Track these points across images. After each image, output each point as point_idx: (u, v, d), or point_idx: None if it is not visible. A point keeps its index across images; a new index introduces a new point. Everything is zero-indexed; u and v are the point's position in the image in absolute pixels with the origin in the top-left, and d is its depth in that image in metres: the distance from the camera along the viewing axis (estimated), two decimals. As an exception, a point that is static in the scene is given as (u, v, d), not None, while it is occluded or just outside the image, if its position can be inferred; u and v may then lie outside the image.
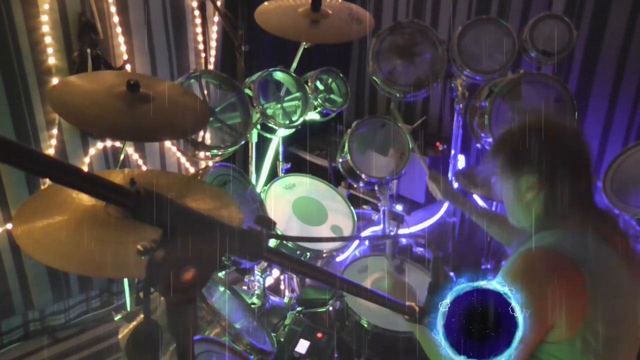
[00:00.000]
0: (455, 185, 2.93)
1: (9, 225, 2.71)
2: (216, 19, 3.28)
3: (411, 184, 3.31)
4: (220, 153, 2.12)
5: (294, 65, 2.52)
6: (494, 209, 2.68)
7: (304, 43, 2.45)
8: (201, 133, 2.12)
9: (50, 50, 2.65)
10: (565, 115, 1.46)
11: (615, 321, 1.32)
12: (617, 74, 2.83)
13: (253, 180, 2.35)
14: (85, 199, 1.47)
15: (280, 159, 2.55)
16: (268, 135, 2.41)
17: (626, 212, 2.02)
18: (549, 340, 1.31)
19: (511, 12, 3.11)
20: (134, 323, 1.81)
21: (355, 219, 2.38)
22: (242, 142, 2.18)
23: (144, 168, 3.16)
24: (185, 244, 0.72)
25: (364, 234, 2.60)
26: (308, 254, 2.18)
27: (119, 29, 2.86)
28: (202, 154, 2.11)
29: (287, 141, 2.61)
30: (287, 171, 2.54)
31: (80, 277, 3.04)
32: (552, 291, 1.27)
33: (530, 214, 1.45)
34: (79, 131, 2.84)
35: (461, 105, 2.73)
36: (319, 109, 2.42)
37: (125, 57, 2.92)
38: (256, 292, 2.31)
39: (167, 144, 3.24)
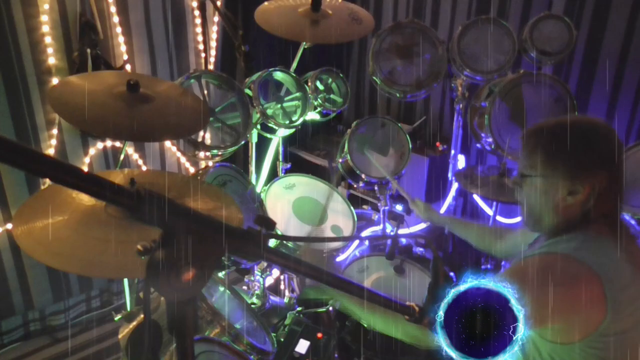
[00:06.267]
0: (456, 185, 2.93)
1: (9, 225, 2.71)
2: (216, 19, 3.28)
3: (411, 184, 3.30)
4: (220, 153, 2.12)
5: (294, 65, 2.52)
6: (493, 209, 2.68)
7: (304, 43, 2.45)
8: (201, 133, 2.12)
9: (50, 50, 2.65)
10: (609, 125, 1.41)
11: (630, 331, 1.30)
12: (617, 74, 2.83)
13: (253, 180, 2.35)
14: (85, 199, 1.47)
15: (280, 159, 2.55)
16: (268, 135, 2.41)
17: (626, 212, 2.02)
18: (555, 340, 1.30)
19: (511, 12, 3.11)
20: (134, 323, 1.81)
21: (355, 219, 2.38)
22: (242, 142, 2.18)
23: (144, 168, 3.16)
24: (185, 244, 0.72)
25: (364, 234, 2.60)
26: (308, 254, 2.18)
27: (119, 29, 2.86)
28: (202, 154, 2.11)
29: (287, 141, 2.61)
30: (287, 171, 2.54)
31: (80, 277, 3.05)
32: (561, 294, 1.24)
33: (558, 217, 1.39)
34: (79, 131, 2.84)
35: (461, 105, 2.73)
36: (319, 109, 2.41)
37: (125, 57, 2.92)
38: (256, 292, 2.31)
39: (167, 144, 3.24)
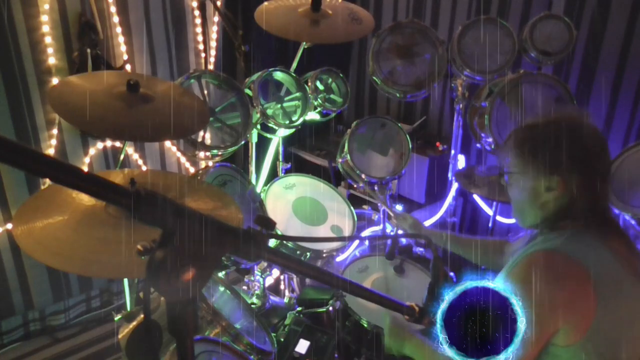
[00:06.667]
0: (456, 185, 2.93)
1: (9, 225, 2.71)
2: (216, 19, 3.28)
3: (411, 184, 3.31)
4: (220, 153, 2.12)
5: (294, 65, 2.52)
6: (493, 208, 2.68)
7: (304, 43, 2.45)
8: (201, 133, 2.12)
9: (50, 50, 2.65)
10: (586, 114, 1.41)
11: (621, 324, 1.30)
12: (617, 74, 2.83)
13: (253, 180, 2.35)
14: (85, 199, 1.47)
15: (280, 159, 2.55)
16: (268, 135, 2.41)
17: (626, 212, 2.02)
18: (556, 343, 1.30)
19: (511, 12, 3.11)
20: (134, 323, 1.81)
21: (355, 219, 2.38)
22: (242, 142, 2.18)
23: (144, 168, 3.16)
24: (185, 244, 0.72)
25: (364, 234, 2.60)
26: (308, 254, 2.18)
27: (119, 29, 2.86)
28: (202, 154, 2.11)
29: (287, 141, 2.61)
30: (287, 171, 2.54)
31: (80, 277, 3.05)
32: (559, 295, 1.26)
33: (543, 214, 1.42)
34: (79, 131, 2.84)
35: (461, 105, 2.73)
36: (319, 109, 2.41)
37: (125, 57, 2.92)
38: (256, 292, 2.31)
39: (167, 144, 3.24)
